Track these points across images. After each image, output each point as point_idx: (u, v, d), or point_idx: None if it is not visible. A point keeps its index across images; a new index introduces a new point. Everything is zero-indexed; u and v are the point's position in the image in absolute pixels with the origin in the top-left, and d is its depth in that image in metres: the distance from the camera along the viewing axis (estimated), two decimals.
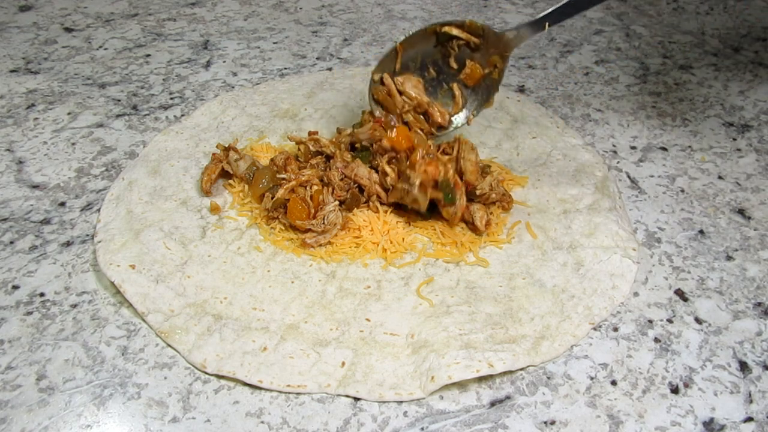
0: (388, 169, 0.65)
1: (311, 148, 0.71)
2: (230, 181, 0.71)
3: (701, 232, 0.67)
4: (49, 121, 0.82)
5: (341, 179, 0.66)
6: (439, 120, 0.69)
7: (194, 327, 0.55)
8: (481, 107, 0.71)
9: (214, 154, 0.71)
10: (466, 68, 0.68)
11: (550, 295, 0.59)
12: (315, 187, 0.65)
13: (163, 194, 0.69)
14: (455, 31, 0.65)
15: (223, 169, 0.70)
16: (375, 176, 0.66)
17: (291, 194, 0.65)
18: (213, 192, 0.69)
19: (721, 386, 0.52)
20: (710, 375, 0.53)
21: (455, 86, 0.70)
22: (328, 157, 0.70)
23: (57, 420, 0.49)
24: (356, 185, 0.66)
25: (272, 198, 0.65)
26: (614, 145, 0.79)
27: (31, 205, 0.69)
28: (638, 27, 1.06)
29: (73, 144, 0.78)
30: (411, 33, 0.67)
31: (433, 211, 0.65)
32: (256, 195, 0.67)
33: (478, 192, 0.64)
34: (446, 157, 0.64)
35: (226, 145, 0.72)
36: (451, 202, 0.63)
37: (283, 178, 0.66)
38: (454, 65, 0.69)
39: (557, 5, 0.61)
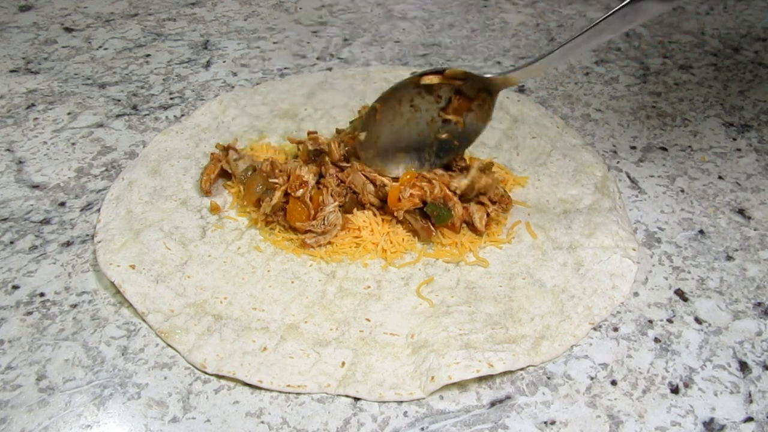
0: (385, 180, 0.65)
1: (309, 147, 0.71)
2: (229, 182, 0.71)
3: (701, 232, 0.67)
4: (49, 121, 0.82)
5: (338, 185, 0.66)
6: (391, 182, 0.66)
7: (194, 327, 0.55)
8: (475, 134, 0.68)
9: (213, 154, 0.71)
10: (453, 102, 0.66)
11: (550, 295, 0.59)
12: (311, 186, 0.65)
13: (163, 194, 0.69)
14: (435, 80, 0.64)
15: (222, 169, 0.70)
16: (370, 186, 0.65)
17: (287, 196, 0.64)
18: (213, 192, 0.69)
19: (721, 386, 0.52)
20: (710, 375, 0.53)
21: (443, 113, 0.67)
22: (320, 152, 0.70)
23: (57, 420, 0.49)
24: (353, 191, 0.66)
25: (270, 201, 0.64)
26: (614, 145, 0.79)
27: (31, 205, 0.69)
28: (638, 27, 1.06)
29: (73, 144, 0.78)
30: (387, 90, 0.65)
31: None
32: (252, 201, 0.66)
33: (457, 192, 0.64)
34: (428, 178, 0.64)
35: (225, 145, 0.72)
36: (444, 220, 0.63)
37: (277, 182, 0.66)
38: (438, 101, 0.67)
39: (550, 51, 0.60)
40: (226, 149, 0.71)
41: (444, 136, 0.67)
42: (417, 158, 0.68)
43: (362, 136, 0.66)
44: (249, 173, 0.68)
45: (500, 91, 0.64)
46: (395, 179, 0.66)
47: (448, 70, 0.64)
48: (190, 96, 0.87)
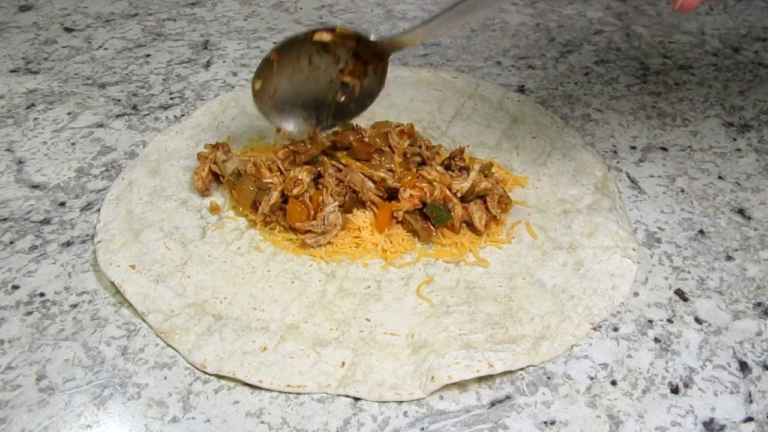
0: (385, 175, 0.65)
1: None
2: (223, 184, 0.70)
3: (701, 232, 0.67)
4: (49, 121, 0.82)
5: (336, 185, 0.66)
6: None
7: (194, 327, 0.55)
8: (370, 100, 0.69)
9: (199, 153, 0.71)
10: (349, 64, 0.67)
11: (550, 295, 0.59)
12: (307, 183, 0.65)
13: (163, 194, 0.69)
14: (327, 37, 0.65)
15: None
16: (369, 184, 0.65)
17: (284, 196, 0.64)
18: (212, 191, 0.69)
19: (721, 386, 0.52)
20: (710, 375, 0.53)
21: (341, 75, 0.68)
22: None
23: (57, 420, 0.49)
24: (352, 190, 0.66)
25: (268, 201, 0.64)
26: (614, 145, 0.79)
27: (31, 205, 0.69)
28: (638, 27, 1.06)
29: (73, 144, 0.78)
30: (283, 41, 0.65)
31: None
32: (248, 204, 0.65)
33: (458, 194, 0.64)
34: (428, 179, 0.64)
35: (214, 143, 0.71)
36: (444, 221, 0.63)
37: (271, 182, 0.65)
38: (336, 61, 0.68)
39: (430, 18, 0.61)
40: (214, 147, 0.70)
41: (342, 99, 0.69)
42: (315, 117, 0.68)
43: (258, 84, 0.66)
44: (236, 177, 0.68)
45: (390, 54, 0.66)
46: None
47: (338, 28, 0.65)
48: (190, 96, 0.87)
